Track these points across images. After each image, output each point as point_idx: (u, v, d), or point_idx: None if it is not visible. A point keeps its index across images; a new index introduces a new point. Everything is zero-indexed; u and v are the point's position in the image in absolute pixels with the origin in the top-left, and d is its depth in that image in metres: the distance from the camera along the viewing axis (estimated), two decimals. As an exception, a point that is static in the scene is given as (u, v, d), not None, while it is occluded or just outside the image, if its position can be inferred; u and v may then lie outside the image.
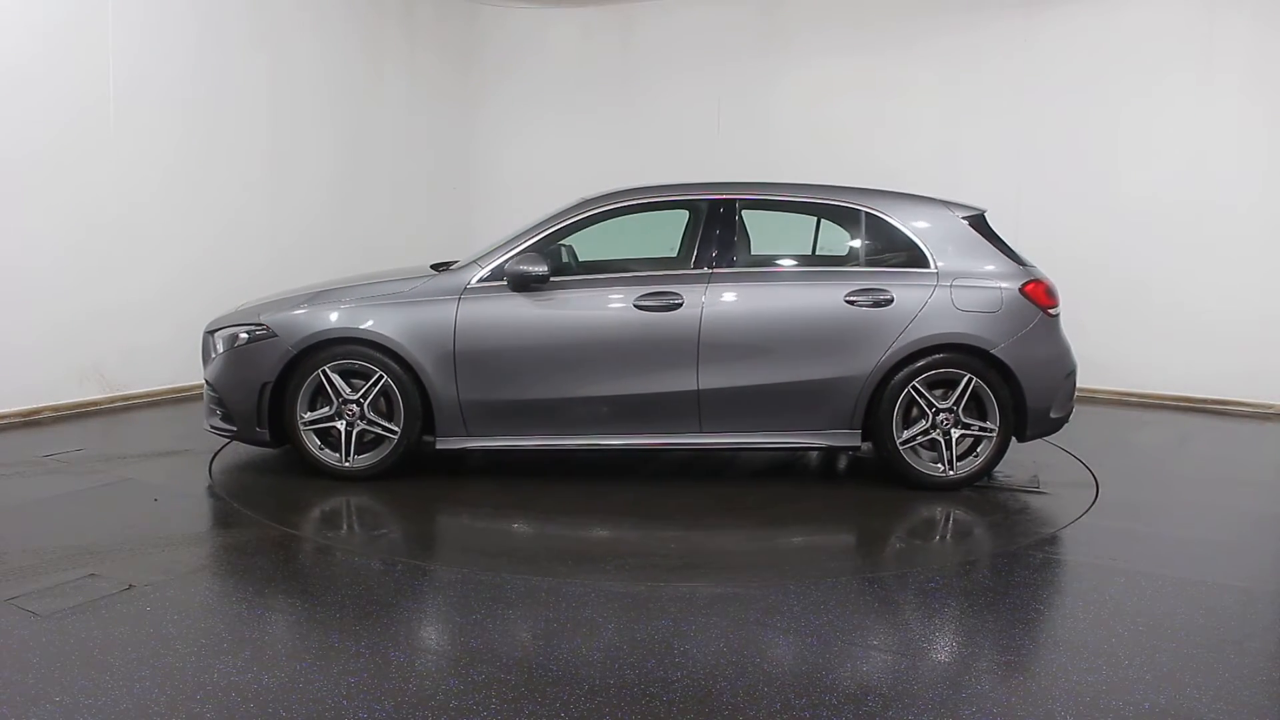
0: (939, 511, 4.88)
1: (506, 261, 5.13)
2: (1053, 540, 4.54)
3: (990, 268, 5.17)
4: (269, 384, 5.11)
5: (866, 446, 5.24)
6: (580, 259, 5.63)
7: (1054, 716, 2.87)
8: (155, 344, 7.17)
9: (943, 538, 4.61)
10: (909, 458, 5.11)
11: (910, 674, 3.15)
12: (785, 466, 5.72)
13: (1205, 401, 7.68)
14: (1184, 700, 2.97)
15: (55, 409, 6.56)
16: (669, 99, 9.53)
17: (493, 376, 5.08)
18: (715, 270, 5.15)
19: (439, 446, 5.16)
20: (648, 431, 5.15)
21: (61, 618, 3.40)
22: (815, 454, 5.92)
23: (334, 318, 5.13)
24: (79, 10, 6.53)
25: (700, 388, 5.05)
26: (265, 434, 5.19)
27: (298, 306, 5.26)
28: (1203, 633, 3.47)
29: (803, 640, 3.39)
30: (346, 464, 5.16)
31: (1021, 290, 5.12)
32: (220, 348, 5.29)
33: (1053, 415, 5.19)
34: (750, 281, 5.16)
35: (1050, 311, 5.15)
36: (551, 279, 5.12)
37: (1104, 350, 7.64)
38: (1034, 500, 5.16)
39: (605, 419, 5.13)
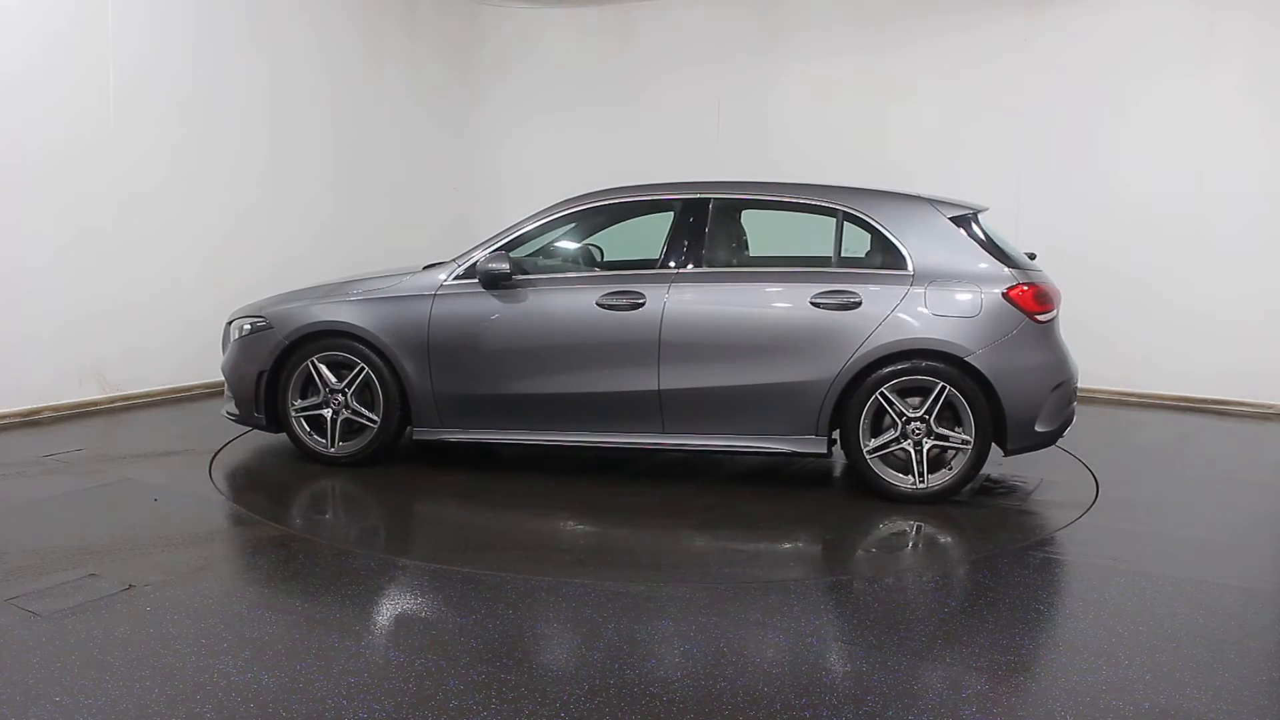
0: (937, 513, 4.87)
1: (478, 260, 5.24)
2: (1053, 540, 4.54)
3: (973, 270, 4.90)
4: (264, 372, 5.43)
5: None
6: (557, 258, 5.68)
7: (1054, 716, 2.87)
8: (155, 344, 7.16)
9: (942, 538, 4.60)
10: (877, 467, 4.91)
11: (910, 674, 3.15)
12: (769, 471, 5.70)
13: (1205, 401, 7.68)
14: (1184, 700, 2.97)
15: (55, 409, 6.56)
16: (669, 98, 9.52)
17: (463, 371, 5.23)
18: (681, 270, 5.12)
19: (415, 436, 5.37)
20: (612, 430, 5.16)
21: (61, 618, 3.40)
22: (817, 462, 5.89)
23: (321, 312, 5.41)
24: (79, 9, 6.52)
25: (661, 388, 5.02)
26: (262, 419, 5.50)
27: (293, 300, 5.59)
28: (1203, 633, 3.47)
29: (803, 640, 3.39)
30: (331, 450, 5.40)
31: (1005, 294, 4.83)
32: (233, 337, 5.65)
33: (1039, 429, 4.87)
34: (713, 282, 5.11)
35: (1038, 317, 4.85)
36: (524, 277, 5.24)
37: (1104, 350, 7.64)
38: (1034, 500, 5.16)
39: (570, 416, 5.17)
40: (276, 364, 5.41)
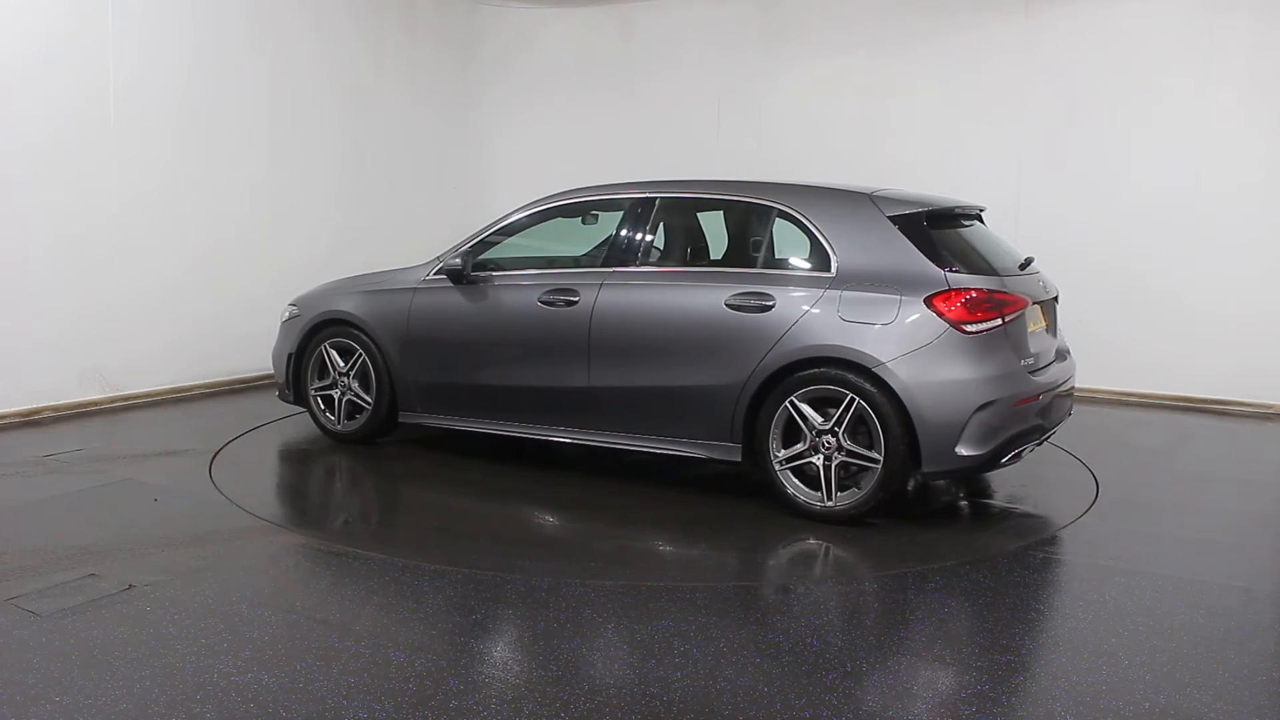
0: (936, 513, 4.87)
1: (448, 258, 5.56)
2: (1053, 540, 4.54)
3: (901, 273, 4.49)
4: (293, 354, 5.96)
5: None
6: (521, 254, 5.81)
7: (1054, 716, 2.87)
8: (155, 344, 7.15)
9: (941, 539, 4.59)
10: (785, 480, 4.61)
11: (910, 674, 3.15)
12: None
13: (1205, 401, 7.67)
14: (1184, 700, 2.97)
15: (55, 409, 6.55)
16: (668, 97, 9.52)
17: (433, 361, 5.56)
18: (613, 269, 5.17)
19: (400, 419, 5.74)
20: (553, 425, 5.29)
21: (61, 618, 3.40)
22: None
23: (331, 302, 5.90)
24: (79, 7, 6.52)
25: (590, 385, 5.09)
26: (290, 395, 6.05)
27: (321, 291, 6.10)
28: (1203, 633, 3.47)
29: (803, 640, 3.39)
30: (338, 427, 5.87)
31: (927, 301, 4.39)
32: (280, 321, 6.22)
33: (961, 452, 4.33)
34: (639, 281, 5.09)
35: (966, 328, 4.35)
36: (482, 274, 5.49)
37: (1104, 350, 7.63)
38: (1034, 500, 5.16)
39: (518, 409, 5.37)
40: (300, 347, 5.93)
